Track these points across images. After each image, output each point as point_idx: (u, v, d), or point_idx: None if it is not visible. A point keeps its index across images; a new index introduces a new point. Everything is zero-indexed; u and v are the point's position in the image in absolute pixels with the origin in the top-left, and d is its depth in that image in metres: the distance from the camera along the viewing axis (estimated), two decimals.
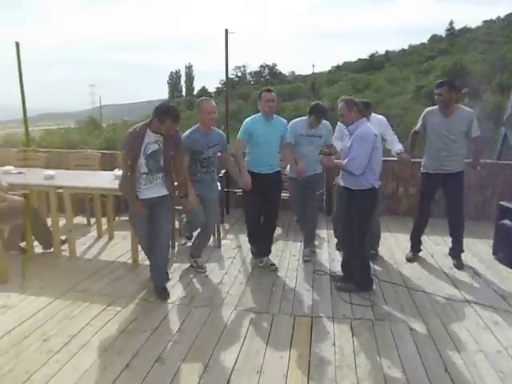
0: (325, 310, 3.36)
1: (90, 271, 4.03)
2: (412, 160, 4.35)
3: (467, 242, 4.91)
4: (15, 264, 4.07)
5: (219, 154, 3.92)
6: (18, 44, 6.57)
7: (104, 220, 5.09)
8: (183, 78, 69.45)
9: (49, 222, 4.53)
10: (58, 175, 4.66)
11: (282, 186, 4.25)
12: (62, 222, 4.56)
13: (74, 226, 4.65)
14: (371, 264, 3.86)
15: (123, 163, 3.41)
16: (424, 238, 4.63)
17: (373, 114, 4.19)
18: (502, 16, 55.18)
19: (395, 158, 4.31)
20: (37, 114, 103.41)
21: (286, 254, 4.59)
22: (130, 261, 4.21)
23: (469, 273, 4.12)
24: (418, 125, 4.34)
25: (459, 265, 4.27)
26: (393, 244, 4.91)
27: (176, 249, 4.66)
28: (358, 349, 2.82)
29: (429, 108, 4.30)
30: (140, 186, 3.38)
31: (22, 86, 6.71)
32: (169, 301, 3.46)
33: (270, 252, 4.25)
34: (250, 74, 62.57)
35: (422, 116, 4.31)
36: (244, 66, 62.26)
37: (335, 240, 4.76)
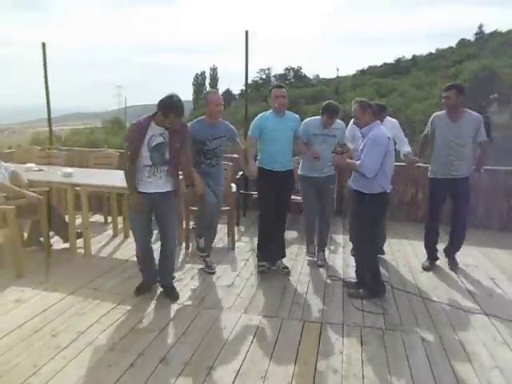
0: (335, 316, 3.29)
1: (103, 269, 4.06)
2: (418, 164, 4.37)
3: (489, 252, 4.78)
4: (31, 260, 4.14)
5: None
6: (44, 45, 6.74)
7: (120, 219, 5.14)
8: (208, 80, 69.97)
9: (67, 219, 4.60)
10: (77, 173, 4.74)
11: (293, 186, 4.20)
12: (79, 219, 4.62)
13: (91, 224, 4.71)
14: (384, 271, 3.78)
15: (124, 155, 3.37)
16: (441, 247, 4.50)
17: (387, 117, 4.15)
18: None
19: (402, 158, 4.31)
20: (65, 113, 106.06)
21: (300, 257, 4.53)
22: None
23: (489, 284, 3.97)
24: (427, 129, 4.31)
25: (452, 263, 4.30)
26: (409, 251, 4.79)
27: (190, 249, 4.66)
28: (366, 358, 2.75)
29: (436, 113, 4.26)
30: (143, 179, 3.32)
31: (47, 87, 6.88)
32: (178, 301, 3.46)
33: (284, 255, 4.21)
34: (275, 76, 62.53)
35: (430, 121, 4.27)
36: (269, 69, 62.22)
37: (351, 245, 4.67)
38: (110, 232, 5.19)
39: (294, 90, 43.24)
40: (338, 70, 79.43)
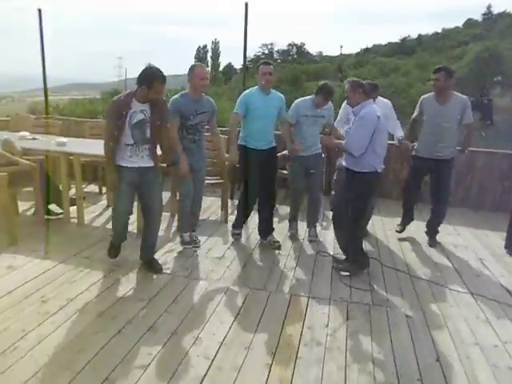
0: (323, 291, 3.34)
1: (95, 238, 4.09)
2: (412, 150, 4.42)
3: (480, 233, 4.82)
4: (24, 228, 4.16)
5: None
6: (40, 11, 6.58)
7: None
8: (209, 54, 68.95)
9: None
10: (70, 142, 4.70)
11: (277, 163, 4.21)
12: (74, 190, 4.61)
13: (86, 194, 4.72)
14: (375, 248, 3.80)
15: (105, 132, 3.30)
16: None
17: (379, 97, 4.18)
18: None
19: (396, 143, 4.42)
20: (64, 83, 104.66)
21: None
22: (135, 230, 4.24)
23: (477, 265, 4.02)
24: (416, 112, 4.38)
25: (432, 243, 4.43)
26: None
27: None
28: (350, 332, 2.80)
29: (425, 95, 4.34)
30: (125, 158, 3.27)
31: (43, 55, 6.76)
32: (168, 272, 3.50)
33: (273, 229, 4.24)
34: (278, 52, 61.55)
35: (418, 103, 4.36)
36: (271, 44, 61.20)
37: None
38: (104, 202, 5.19)
39: (296, 67, 42.73)
40: (341, 47, 78.29)
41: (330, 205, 5.12)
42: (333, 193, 4.80)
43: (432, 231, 4.49)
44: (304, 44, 61.96)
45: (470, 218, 5.34)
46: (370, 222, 4.60)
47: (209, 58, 66.80)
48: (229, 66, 58.65)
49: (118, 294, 3.11)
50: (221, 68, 60.96)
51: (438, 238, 4.50)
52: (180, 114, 3.63)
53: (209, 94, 3.89)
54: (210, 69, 64.72)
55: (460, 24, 54.40)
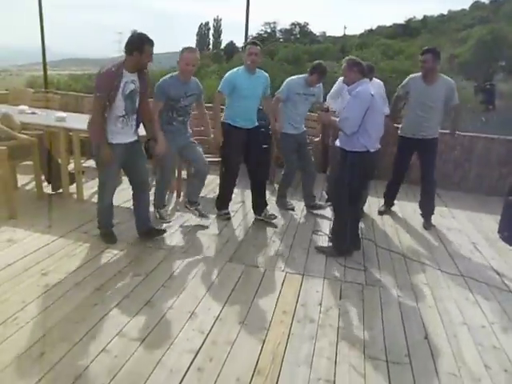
0: (317, 269, 3.40)
1: (94, 214, 4.07)
2: (396, 125, 4.54)
3: (475, 216, 4.87)
4: (24, 202, 4.20)
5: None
6: None
7: None
8: (211, 31, 67.90)
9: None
10: (70, 117, 4.71)
11: (261, 140, 4.30)
12: (73, 165, 4.63)
13: (86, 170, 4.73)
14: (370, 230, 3.85)
15: (97, 105, 3.18)
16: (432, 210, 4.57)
17: (374, 78, 4.21)
18: None
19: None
20: (63, 58, 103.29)
21: (288, 211, 4.61)
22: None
23: (470, 248, 4.08)
24: (401, 90, 4.43)
25: (428, 225, 4.47)
26: (396, 211, 4.87)
27: (181, 198, 4.71)
28: (343, 310, 2.87)
29: (412, 75, 4.41)
30: (116, 130, 3.26)
31: (42, 28, 6.69)
32: (165, 247, 3.56)
33: (266, 204, 4.31)
34: (281, 31, 60.62)
35: (405, 82, 4.41)
36: (274, 23, 60.23)
37: None
38: None
39: (298, 46, 42.13)
40: (345, 28, 77.20)
41: (325, 182, 5.20)
42: (327, 173, 4.90)
43: (426, 213, 4.55)
44: (307, 24, 61.10)
45: (468, 201, 5.39)
46: (367, 203, 4.63)
47: (211, 36, 65.89)
48: (231, 44, 57.78)
49: (115, 268, 3.17)
50: (222, 46, 60.21)
51: (434, 220, 4.55)
52: (169, 97, 3.64)
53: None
54: (211, 46, 64.02)
55: (467, 6, 53.49)
